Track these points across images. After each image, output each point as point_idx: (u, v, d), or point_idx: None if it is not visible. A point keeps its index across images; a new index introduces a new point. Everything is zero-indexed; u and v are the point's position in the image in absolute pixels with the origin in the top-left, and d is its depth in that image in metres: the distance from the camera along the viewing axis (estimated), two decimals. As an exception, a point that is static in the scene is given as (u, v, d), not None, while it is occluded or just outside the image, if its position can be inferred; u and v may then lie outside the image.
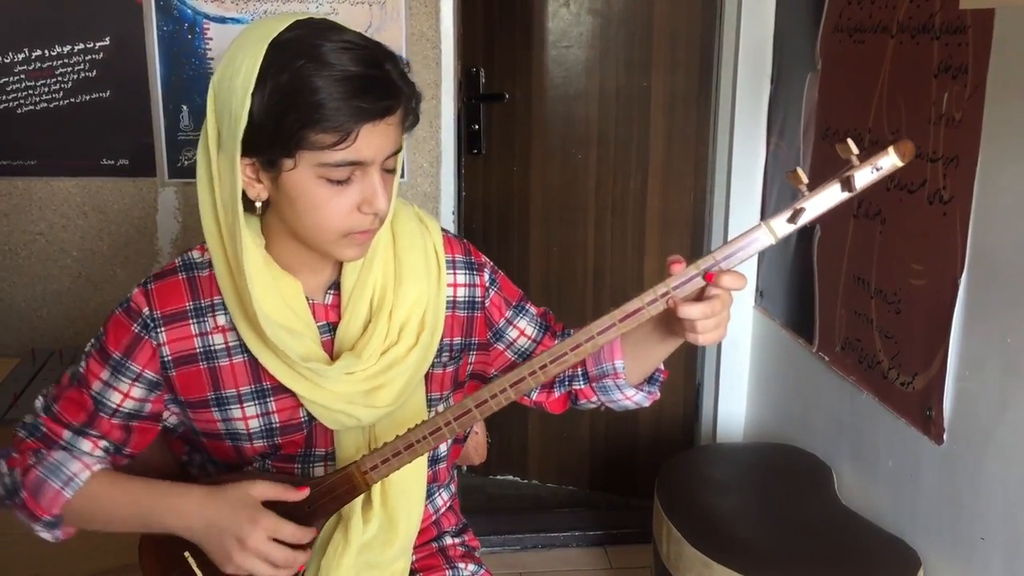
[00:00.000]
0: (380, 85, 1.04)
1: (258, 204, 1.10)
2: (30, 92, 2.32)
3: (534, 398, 1.33)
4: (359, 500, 1.20)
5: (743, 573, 1.79)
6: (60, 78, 2.32)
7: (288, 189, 1.07)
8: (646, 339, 1.20)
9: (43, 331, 2.44)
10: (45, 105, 2.33)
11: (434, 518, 1.36)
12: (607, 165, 2.78)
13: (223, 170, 1.07)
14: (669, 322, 1.14)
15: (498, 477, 3.11)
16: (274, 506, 1.12)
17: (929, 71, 1.68)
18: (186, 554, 1.17)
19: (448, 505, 1.39)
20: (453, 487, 1.41)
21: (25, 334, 2.43)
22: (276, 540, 1.10)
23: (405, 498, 1.23)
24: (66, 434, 1.19)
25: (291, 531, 1.10)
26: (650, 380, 1.29)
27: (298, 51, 1.02)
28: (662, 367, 1.29)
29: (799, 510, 2.01)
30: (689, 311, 1.05)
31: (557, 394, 1.32)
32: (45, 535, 1.20)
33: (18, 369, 2.20)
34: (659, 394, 1.31)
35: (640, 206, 2.76)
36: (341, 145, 1.03)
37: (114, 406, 1.17)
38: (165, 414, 1.21)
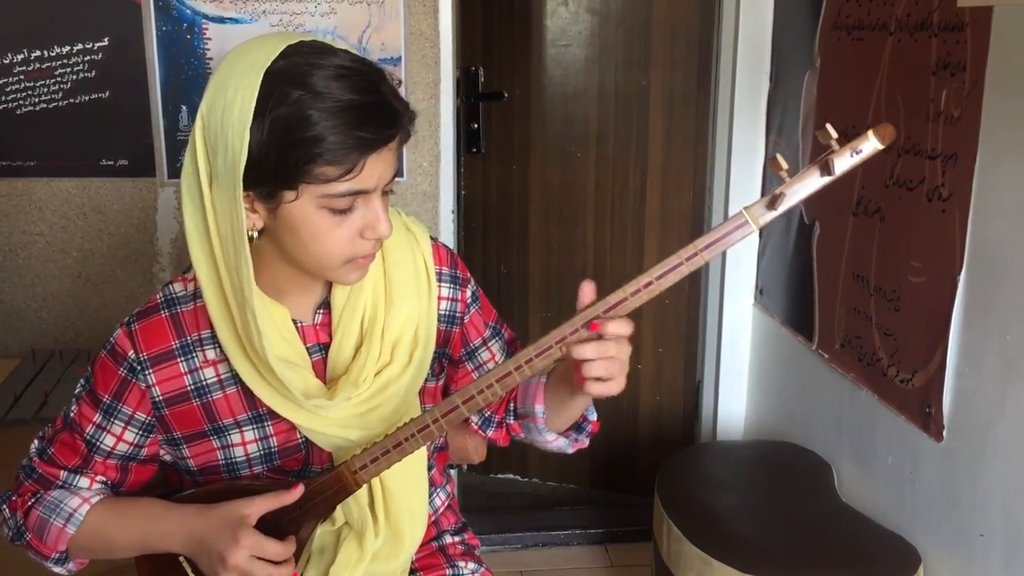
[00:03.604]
0: (381, 113, 1.02)
1: (253, 234, 1.06)
2: (29, 93, 2.32)
3: (490, 435, 1.32)
4: (368, 512, 1.20)
5: (743, 571, 1.80)
6: (59, 79, 2.32)
7: (288, 220, 1.04)
8: (558, 388, 1.18)
9: (43, 331, 2.44)
10: (44, 106, 2.33)
11: (433, 518, 1.36)
12: (606, 163, 2.78)
13: (220, 205, 1.04)
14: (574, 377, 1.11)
15: (498, 476, 3.12)
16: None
17: (927, 68, 1.69)
18: (181, 558, 1.17)
19: (447, 504, 1.39)
20: (450, 487, 1.41)
21: (25, 334, 2.43)
22: (259, 558, 1.09)
23: (408, 513, 1.23)
24: (62, 474, 1.19)
25: (274, 550, 1.10)
26: (578, 428, 1.27)
27: (294, 81, 0.99)
28: (592, 417, 1.27)
29: (799, 507, 2.01)
30: (582, 351, 1.02)
31: (504, 430, 1.32)
32: (59, 570, 1.22)
33: (18, 370, 2.20)
34: (587, 443, 1.28)
35: (639, 204, 2.77)
36: (346, 177, 1.01)
37: (108, 448, 1.18)
38: (161, 452, 1.21)
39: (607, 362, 1.03)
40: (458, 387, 1.29)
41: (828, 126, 0.94)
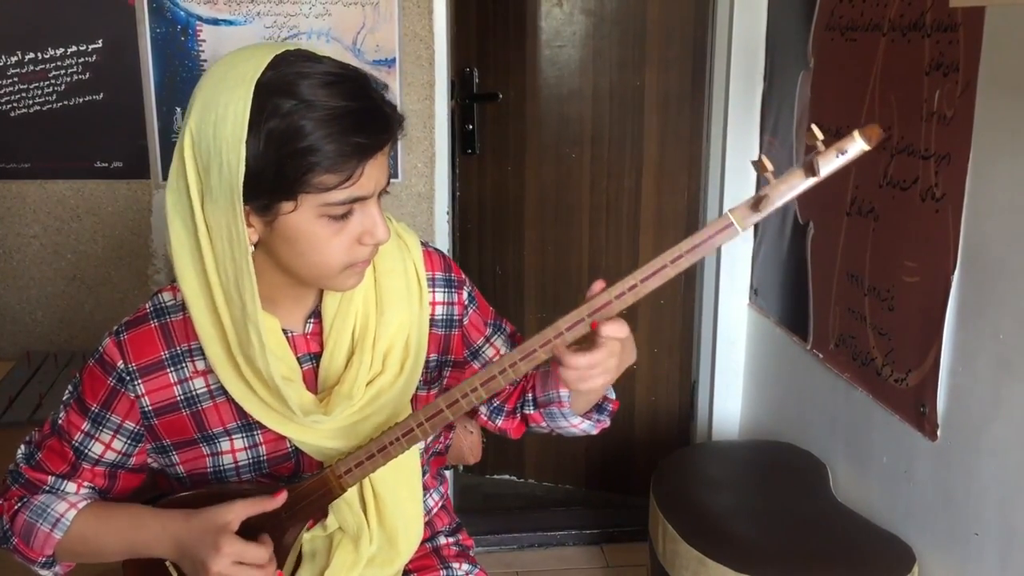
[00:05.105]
0: (374, 117, 1.02)
1: (250, 248, 1.04)
2: (23, 95, 2.31)
3: (499, 424, 1.32)
4: (362, 517, 1.20)
5: (739, 570, 1.80)
6: (53, 81, 2.31)
7: (286, 231, 1.04)
8: None
9: (38, 334, 2.44)
10: (38, 108, 2.32)
11: (427, 519, 1.36)
12: (601, 164, 2.79)
13: (216, 221, 1.03)
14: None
15: (495, 476, 3.12)
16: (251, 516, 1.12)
17: (920, 69, 1.69)
18: (167, 563, 1.17)
19: (440, 505, 1.39)
20: (443, 488, 1.41)
21: (20, 337, 2.43)
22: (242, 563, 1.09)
23: (403, 520, 1.22)
24: (50, 479, 1.19)
25: (255, 553, 1.09)
26: (599, 409, 1.27)
27: (284, 92, 0.98)
28: (612, 396, 1.27)
29: (794, 507, 2.01)
30: (576, 361, 1.03)
31: (517, 419, 1.31)
32: (46, 574, 1.22)
33: (13, 372, 2.20)
34: (608, 423, 1.29)
35: (634, 205, 2.77)
36: (346, 184, 1.00)
37: (96, 456, 1.18)
38: (149, 460, 1.21)
39: (600, 372, 1.04)
40: None
41: (813, 127, 0.93)
